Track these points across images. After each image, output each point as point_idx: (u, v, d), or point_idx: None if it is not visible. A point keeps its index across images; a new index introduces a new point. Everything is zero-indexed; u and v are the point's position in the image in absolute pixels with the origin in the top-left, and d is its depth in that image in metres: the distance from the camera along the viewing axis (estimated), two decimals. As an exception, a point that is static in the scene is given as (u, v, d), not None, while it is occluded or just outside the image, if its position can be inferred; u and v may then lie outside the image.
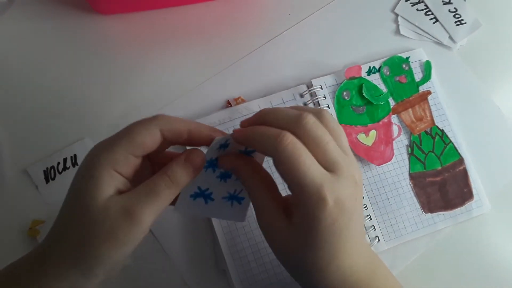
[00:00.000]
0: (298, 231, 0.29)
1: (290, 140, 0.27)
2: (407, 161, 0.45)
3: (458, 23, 0.49)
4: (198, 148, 0.30)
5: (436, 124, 0.46)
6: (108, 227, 0.27)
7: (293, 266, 0.32)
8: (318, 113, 0.30)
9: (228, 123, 0.44)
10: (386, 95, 0.46)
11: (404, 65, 0.47)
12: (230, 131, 0.43)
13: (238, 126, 0.43)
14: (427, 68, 0.47)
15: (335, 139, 0.29)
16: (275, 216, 0.30)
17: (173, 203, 0.31)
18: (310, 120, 0.28)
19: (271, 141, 0.28)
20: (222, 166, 0.32)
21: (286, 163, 0.27)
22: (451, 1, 0.50)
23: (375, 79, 0.46)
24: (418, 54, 0.48)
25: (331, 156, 0.28)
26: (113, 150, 0.28)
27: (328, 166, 0.28)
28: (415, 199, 0.44)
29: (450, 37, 0.49)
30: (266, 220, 0.31)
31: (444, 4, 0.50)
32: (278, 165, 0.28)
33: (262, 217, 0.31)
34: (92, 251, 0.27)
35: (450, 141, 0.46)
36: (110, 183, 0.27)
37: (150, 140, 0.28)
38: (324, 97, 0.45)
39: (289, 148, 0.27)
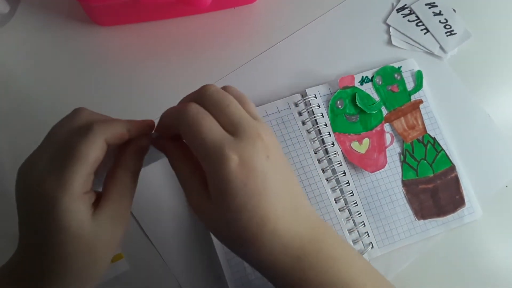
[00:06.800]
0: (216, 200, 0.28)
1: (192, 108, 0.28)
2: (399, 169, 0.46)
3: (448, 33, 0.51)
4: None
5: (428, 132, 0.47)
6: (109, 240, 0.29)
7: (234, 244, 0.30)
8: (223, 86, 0.31)
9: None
10: (379, 104, 0.47)
11: (396, 75, 0.48)
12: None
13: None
14: (418, 77, 0.48)
15: (241, 105, 0.29)
16: (202, 195, 0.29)
17: None
18: (211, 88, 0.29)
19: (176, 114, 0.28)
20: (156, 149, 0.33)
21: (189, 131, 0.27)
22: (442, 12, 0.51)
23: (368, 88, 0.47)
24: (409, 64, 0.49)
25: (233, 118, 0.28)
26: (72, 178, 0.27)
27: (232, 128, 0.28)
28: (408, 206, 0.45)
29: (441, 47, 0.50)
30: (196, 201, 0.30)
31: (434, 15, 0.51)
32: (184, 136, 0.28)
33: (192, 199, 0.30)
34: (97, 267, 0.29)
35: (442, 149, 0.47)
36: (85, 207, 0.27)
37: (101, 153, 0.28)
38: (318, 106, 0.46)
39: (190, 115, 0.27)
